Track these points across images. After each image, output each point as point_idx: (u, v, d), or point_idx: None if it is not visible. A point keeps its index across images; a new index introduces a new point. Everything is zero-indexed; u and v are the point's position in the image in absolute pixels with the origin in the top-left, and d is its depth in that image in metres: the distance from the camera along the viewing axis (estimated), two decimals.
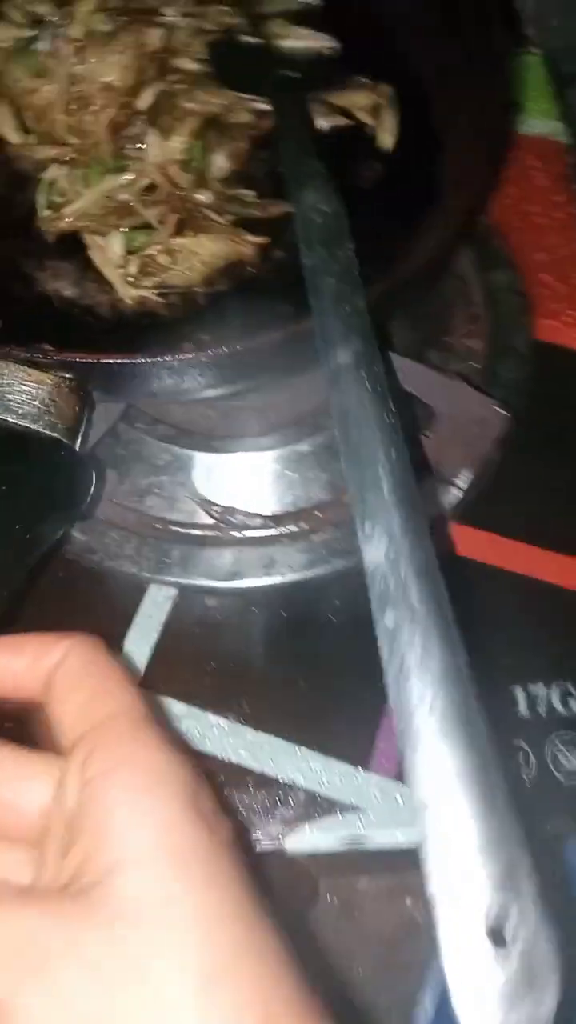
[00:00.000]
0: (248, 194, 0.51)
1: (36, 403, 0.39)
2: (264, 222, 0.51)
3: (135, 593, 0.52)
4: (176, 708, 0.49)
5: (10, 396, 0.39)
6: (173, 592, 0.52)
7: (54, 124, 0.52)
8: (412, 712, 0.28)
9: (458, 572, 0.52)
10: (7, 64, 0.52)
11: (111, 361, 0.39)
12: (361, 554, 0.32)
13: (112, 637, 0.52)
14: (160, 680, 0.50)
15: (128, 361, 0.39)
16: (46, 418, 0.40)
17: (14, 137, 0.52)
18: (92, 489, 0.42)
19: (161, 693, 0.50)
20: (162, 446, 0.55)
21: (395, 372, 0.49)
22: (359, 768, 0.47)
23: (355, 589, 0.51)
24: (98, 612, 0.52)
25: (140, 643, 0.51)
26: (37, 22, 0.54)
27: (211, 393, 0.43)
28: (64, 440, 0.40)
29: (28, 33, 0.53)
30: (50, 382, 0.40)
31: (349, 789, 0.46)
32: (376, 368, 0.34)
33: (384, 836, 0.45)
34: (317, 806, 0.46)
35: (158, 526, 0.53)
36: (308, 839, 0.45)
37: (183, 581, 0.52)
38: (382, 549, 0.30)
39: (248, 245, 0.49)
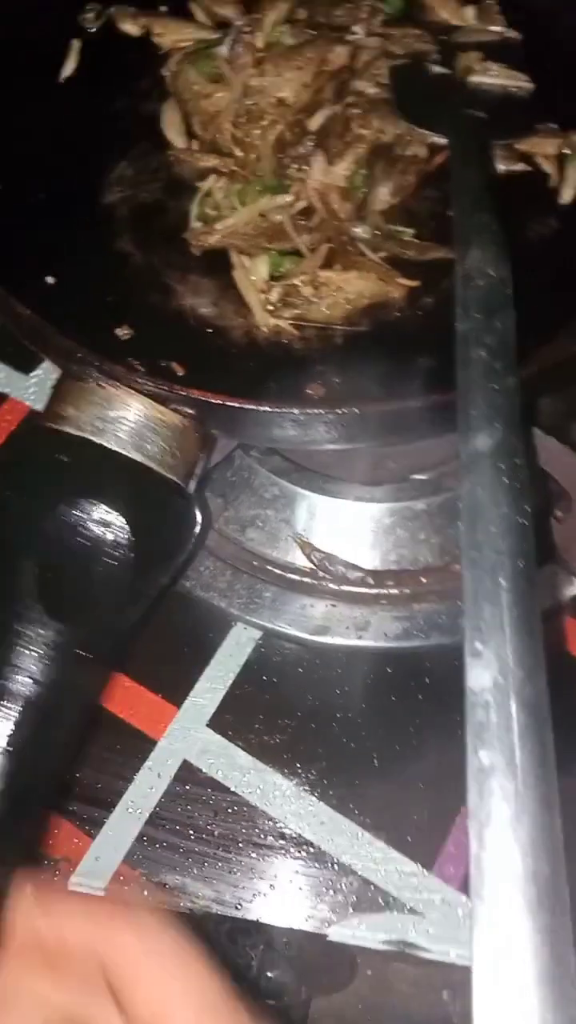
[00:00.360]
0: (407, 232, 0.48)
1: (162, 443, 0.38)
2: (419, 264, 0.47)
3: (219, 629, 0.50)
4: (241, 759, 0.47)
5: (141, 434, 0.38)
6: (257, 635, 0.50)
7: (221, 133, 0.49)
8: (493, 871, 0.25)
9: (567, 670, 0.48)
10: (184, 65, 0.50)
11: (236, 405, 0.37)
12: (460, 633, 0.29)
13: (188, 670, 0.50)
14: (228, 725, 0.48)
15: (254, 407, 0.37)
16: (168, 460, 0.38)
17: (179, 141, 0.50)
18: (195, 534, 0.40)
19: (228, 739, 0.48)
20: (272, 479, 0.53)
21: (534, 447, 0.45)
22: (422, 868, 0.43)
23: (451, 671, 0.48)
24: (179, 641, 0.50)
25: (215, 682, 0.49)
26: (221, 25, 0.52)
27: (333, 447, 0.40)
28: (181, 484, 0.38)
29: (209, 36, 0.51)
30: (179, 424, 0.38)
31: (408, 889, 0.43)
32: (518, 461, 0.31)
33: (438, 950, 0.41)
34: (371, 898, 0.43)
35: (255, 562, 0.51)
36: (356, 933, 0.42)
37: (270, 625, 0.49)
38: (490, 673, 0.27)
39: (398, 287, 0.46)
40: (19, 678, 0.35)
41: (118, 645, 0.39)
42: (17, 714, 0.35)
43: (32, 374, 0.60)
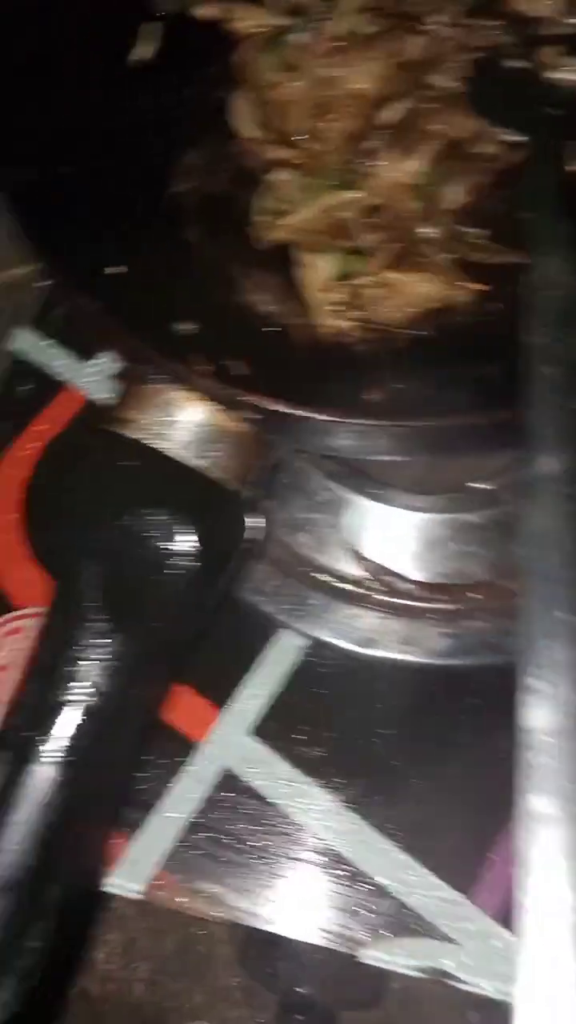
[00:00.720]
0: (478, 234, 0.46)
1: (224, 450, 0.37)
2: (488, 268, 0.45)
3: (265, 634, 0.49)
4: (282, 770, 0.46)
5: (203, 440, 0.38)
6: (303, 643, 0.49)
7: (291, 124, 0.48)
8: (541, 923, 0.23)
9: None
10: (257, 52, 0.49)
11: (301, 413, 0.36)
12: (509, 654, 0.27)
13: (232, 674, 0.49)
14: (270, 733, 0.47)
15: (318, 417, 0.35)
16: (230, 467, 0.37)
17: (248, 131, 0.49)
18: (254, 540, 0.39)
19: (270, 747, 0.47)
20: (325, 483, 0.51)
21: None
22: (460, 895, 0.42)
23: (499, 692, 0.46)
24: (224, 644, 0.49)
25: (259, 688, 0.48)
26: (296, 12, 0.50)
27: (392, 457, 0.39)
28: (241, 492, 0.38)
29: (284, 23, 0.49)
30: (240, 431, 0.38)
31: (445, 915, 0.41)
32: None
33: (473, 981, 0.40)
34: (405, 922, 0.42)
35: (303, 568, 0.50)
36: (388, 956, 0.41)
37: (316, 634, 0.48)
38: (546, 715, 0.25)
39: (466, 291, 0.44)
40: (81, 688, 0.35)
41: (179, 656, 0.38)
42: (79, 724, 0.35)
43: (92, 363, 0.59)
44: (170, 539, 0.36)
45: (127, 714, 0.37)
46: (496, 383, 0.41)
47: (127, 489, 0.37)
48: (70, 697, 0.35)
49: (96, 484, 0.38)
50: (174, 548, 0.36)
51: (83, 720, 0.35)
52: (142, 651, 0.36)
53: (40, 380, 0.58)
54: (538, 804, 0.25)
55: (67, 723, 0.35)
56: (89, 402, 0.58)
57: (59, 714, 0.35)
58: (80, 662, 0.35)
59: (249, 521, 0.40)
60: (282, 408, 0.38)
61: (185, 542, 0.36)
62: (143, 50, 0.51)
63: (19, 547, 0.54)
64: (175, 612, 0.37)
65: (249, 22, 0.51)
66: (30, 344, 0.59)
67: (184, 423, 0.38)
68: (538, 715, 0.26)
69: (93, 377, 0.59)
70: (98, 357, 0.60)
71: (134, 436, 0.38)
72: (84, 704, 0.35)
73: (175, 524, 0.36)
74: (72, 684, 0.35)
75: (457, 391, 0.41)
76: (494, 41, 0.48)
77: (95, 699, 0.35)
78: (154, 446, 0.38)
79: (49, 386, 0.58)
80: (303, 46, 0.47)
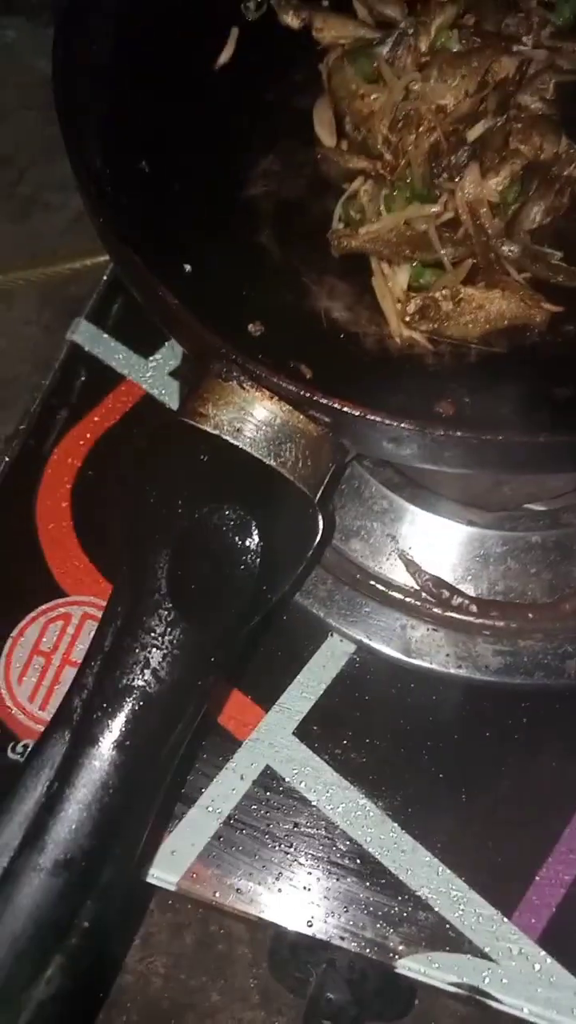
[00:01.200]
0: (556, 255, 0.46)
1: (298, 452, 0.37)
2: (564, 290, 0.45)
3: (315, 637, 0.50)
4: (326, 773, 0.46)
5: (278, 440, 0.38)
6: (352, 648, 0.49)
7: (373, 135, 0.48)
8: None
9: None
10: (342, 62, 0.49)
11: (377, 419, 0.36)
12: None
13: (280, 675, 0.49)
14: (315, 736, 0.47)
15: (393, 423, 0.35)
16: (301, 469, 0.37)
17: (328, 139, 0.49)
18: (316, 543, 0.39)
19: (314, 750, 0.47)
20: (383, 491, 0.52)
21: None
22: (501, 914, 0.42)
23: (553, 715, 0.46)
24: (274, 644, 0.50)
25: (306, 690, 0.48)
26: (383, 24, 0.50)
27: (458, 471, 0.39)
28: (310, 495, 0.38)
29: (371, 35, 0.49)
30: (314, 433, 0.38)
31: (484, 933, 0.41)
32: None
33: (511, 1003, 0.40)
34: (444, 936, 0.42)
35: (356, 575, 0.50)
36: (425, 969, 0.41)
37: (366, 641, 0.48)
38: None
39: (541, 311, 0.44)
40: (144, 673, 0.35)
41: (237, 652, 0.38)
42: (138, 709, 0.35)
43: (151, 358, 0.60)
44: (240, 535, 0.36)
45: (185, 703, 0.37)
46: (568, 404, 0.41)
47: (201, 482, 0.37)
48: (131, 682, 0.35)
49: (172, 474, 0.38)
50: (243, 544, 0.36)
51: (142, 706, 0.35)
52: (205, 643, 0.37)
53: (98, 372, 0.59)
54: None
55: (127, 707, 0.35)
56: (148, 396, 0.59)
57: (120, 698, 0.35)
58: (144, 649, 0.36)
59: (313, 525, 0.40)
60: (353, 411, 0.38)
61: (251, 539, 0.36)
62: (229, 54, 0.51)
63: (70, 535, 0.55)
64: (239, 608, 0.37)
65: (336, 32, 0.51)
66: (91, 336, 0.60)
67: (258, 422, 0.38)
68: None
69: (152, 373, 0.60)
70: (157, 354, 0.60)
71: (209, 430, 0.38)
72: (145, 690, 0.35)
73: (246, 521, 0.36)
74: (134, 670, 0.35)
75: (528, 410, 0.41)
76: None
77: (156, 686, 0.35)
78: (230, 441, 0.38)
79: (107, 379, 0.59)
80: (389, 59, 0.47)
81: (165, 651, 0.36)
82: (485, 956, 0.41)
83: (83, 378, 0.60)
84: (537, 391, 0.42)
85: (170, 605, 0.36)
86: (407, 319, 0.45)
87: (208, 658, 0.37)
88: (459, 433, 0.36)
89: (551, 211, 0.46)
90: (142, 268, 0.40)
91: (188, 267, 0.45)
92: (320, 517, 0.40)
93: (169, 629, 0.36)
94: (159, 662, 0.36)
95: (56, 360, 0.61)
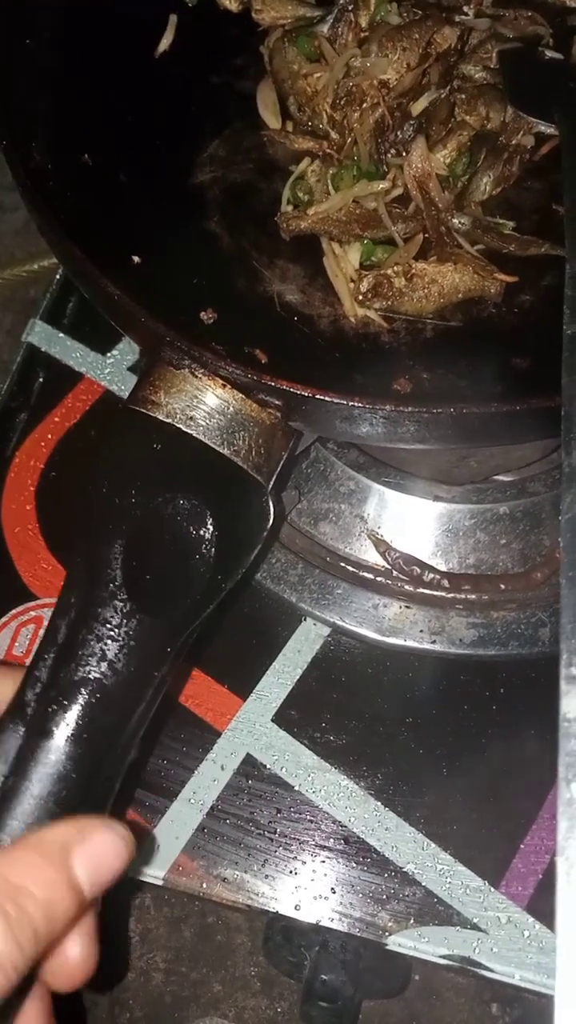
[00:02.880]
0: (507, 225, 0.46)
1: (251, 440, 0.37)
2: (518, 259, 0.45)
3: (288, 623, 0.49)
4: (306, 757, 0.46)
5: (231, 428, 0.37)
6: (326, 631, 0.49)
7: (317, 115, 0.48)
8: None
9: None
10: (283, 43, 0.48)
11: (326, 399, 0.35)
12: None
13: (255, 662, 0.49)
14: (294, 722, 0.47)
15: (344, 402, 0.35)
16: (254, 458, 0.37)
17: (273, 121, 0.49)
18: (267, 530, 0.39)
19: (293, 735, 0.47)
20: (349, 472, 0.51)
21: None
22: (489, 884, 0.42)
23: (528, 684, 0.46)
24: (248, 632, 0.50)
25: (282, 676, 0.48)
26: (323, 2, 0.50)
27: (418, 447, 0.38)
28: (263, 483, 0.37)
29: (311, 13, 0.49)
30: (267, 421, 0.37)
31: (472, 904, 0.41)
32: None
33: (501, 970, 0.40)
34: (433, 910, 0.42)
35: (327, 557, 0.50)
36: (415, 944, 0.41)
37: (340, 622, 0.48)
38: None
39: (495, 282, 0.44)
40: (100, 665, 0.35)
41: (192, 641, 0.38)
42: (94, 701, 0.34)
43: (108, 355, 0.59)
44: (195, 525, 0.36)
45: (141, 694, 0.36)
46: (526, 374, 0.41)
47: (155, 470, 0.37)
48: (87, 675, 0.35)
49: (124, 463, 0.37)
50: (198, 534, 0.36)
51: (98, 698, 0.35)
52: (161, 633, 0.36)
53: (57, 372, 0.58)
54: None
55: (82, 700, 0.34)
56: (108, 393, 0.58)
57: (75, 690, 0.35)
58: (99, 640, 0.35)
59: (266, 512, 0.39)
60: (307, 392, 0.37)
61: (205, 528, 0.36)
62: (169, 40, 0.51)
63: (37, 538, 0.54)
64: (195, 597, 0.37)
65: (276, 13, 0.51)
66: (47, 336, 0.59)
67: (211, 409, 0.38)
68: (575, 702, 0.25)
69: (110, 369, 0.59)
70: (115, 350, 0.59)
71: (161, 418, 0.38)
72: (101, 682, 0.35)
73: (199, 510, 0.36)
74: (90, 662, 0.35)
75: (488, 382, 0.41)
76: (527, 32, 0.47)
77: (112, 678, 0.35)
78: (183, 430, 0.37)
79: (66, 378, 0.58)
80: (331, 37, 0.47)
81: (121, 643, 0.35)
82: (475, 927, 0.41)
83: (41, 379, 0.59)
84: (496, 363, 0.41)
85: (125, 596, 0.35)
86: (360, 298, 0.44)
87: (165, 648, 0.37)
88: (409, 408, 0.35)
89: (501, 181, 0.46)
90: (83, 261, 0.40)
91: (137, 258, 0.44)
92: (272, 505, 0.40)
93: (125, 621, 0.35)
94: (115, 654, 0.35)
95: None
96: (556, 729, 0.26)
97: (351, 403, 0.37)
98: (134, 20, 0.50)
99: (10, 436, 0.56)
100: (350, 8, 0.47)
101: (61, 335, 0.59)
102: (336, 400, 0.37)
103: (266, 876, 0.45)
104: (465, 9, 0.47)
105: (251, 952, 0.62)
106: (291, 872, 0.45)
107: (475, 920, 0.41)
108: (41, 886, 0.30)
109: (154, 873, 0.46)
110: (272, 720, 0.48)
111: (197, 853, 0.46)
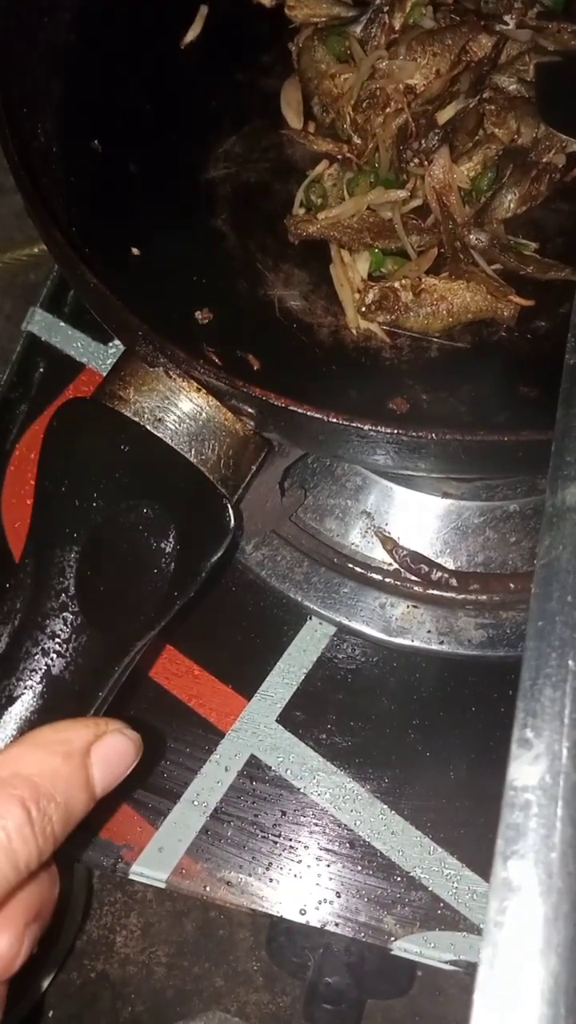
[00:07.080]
0: (529, 246, 0.46)
1: (221, 450, 0.36)
2: (536, 283, 0.44)
3: (294, 622, 0.50)
4: (311, 758, 0.47)
5: (201, 436, 0.36)
6: (332, 631, 0.49)
7: (340, 118, 0.48)
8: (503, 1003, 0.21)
9: None
10: (313, 41, 0.48)
11: (300, 411, 0.33)
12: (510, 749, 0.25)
13: (260, 662, 0.50)
14: (298, 723, 0.48)
15: (319, 416, 0.33)
16: (222, 469, 0.36)
17: (295, 121, 0.49)
18: (224, 547, 0.38)
19: (298, 736, 0.47)
20: (356, 468, 0.51)
21: None
22: None
23: None
24: (252, 632, 0.50)
25: (287, 676, 0.49)
26: (359, 2, 0.49)
27: (409, 473, 0.37)
28: (228, 497, 0.37)
29: (345, 13, 0.49)
30: (239, 432, 0.36)
31: (479, 909, 0.43)
32: None
33: None
34: (439, 915, 0.42)
35: (333, 556, 0.50)
36: (421, 949, 0.42)
37: (346, 622, 0.49)
38: (537, 770, 0.23)
39: (510, 304, 0.43)
40: (41, 682, 0.33)
41: (137, 660, 0.37)
42: (34, 719, 0.33)
43: (111, 344, 0.59)
44: (157, 536, 0.34)
45: (88, 710, 0.34)
46: (532, 404, 0.39)
47: (120, 474, 0.34)
48: (24, 692, 0.32)
49: (87, 463, 0.35)
50: (159, 546, 0.34)
51: (36, 719, 0.32)
52: (110, 650, 0.34)
53: (58, 362, 0.58)
54: (513, 871, 0.22)
55: (23, 717, 0.32)
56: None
57: (13, 707, 0.32)
58: (45, 655, 0.33)
59: (228, 527, 0.38)
60: (280, 403, 0.34)
61: (166, 540, 0.34)
62: (197, 31, 0.50)
63: None
64: (148, 613, 0.35)
65: (309, 11, 0.51)
66: (47, 325, 0.58)
67: (182, 413, 0.36)
68: (526, 770, 0.23)
69: (112, 360, 0.58)
70: (117, 340, 0.58)
71: (129, 415, 0.36)
72: (40, 701, 0.32)
73: (163, 520, 0.34)
74: (32, 677, 0.33)
75: (490, 408, 0.40)
76: (569, 46, 0.47)
77: (52, 698, 0.33)
78: (150, 432, 0.35)
79: (67, 368, 0.58)
80: (363, 38, 0.47)
81: (68, 659, 0.33)
82: (481, 932, 0.41)
83: (41, 369, 0.58)
84: (502, 390, 0.41)
85: (77, 608, 0.33)
86: (364, 309, 0.44)
87: (112, 667, 0.35)
88: (389, 430, 0.33)
89: (527, 199, 0.46)
90: (63, 245, 0.38)
91: (136, 250, 0.44)
92: (232, 521, 0.38)
93: (75, 635, 0.33)
94: (60, 670, 0.33)
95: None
96: None
97: (328, 419, 0.34)
98: (161, 8, 0.50)
99: (10, 428, 0.57)
100: (385, 9, 0.48)
101: (62, 324, 0.59)
102: (312, 414, 0.34)
103: (270, 880, 0.45)
104: (506, 18, 0.47)
105: (253, 947, 0.63)
106: (296, 876, 0.45)
107: (482, 925, 0.41)
108: (63, 787, 0.29)
109: (157, 876, 0.46)
110: (277, 721, 0.48)
111: (201, 856, 0.46)
